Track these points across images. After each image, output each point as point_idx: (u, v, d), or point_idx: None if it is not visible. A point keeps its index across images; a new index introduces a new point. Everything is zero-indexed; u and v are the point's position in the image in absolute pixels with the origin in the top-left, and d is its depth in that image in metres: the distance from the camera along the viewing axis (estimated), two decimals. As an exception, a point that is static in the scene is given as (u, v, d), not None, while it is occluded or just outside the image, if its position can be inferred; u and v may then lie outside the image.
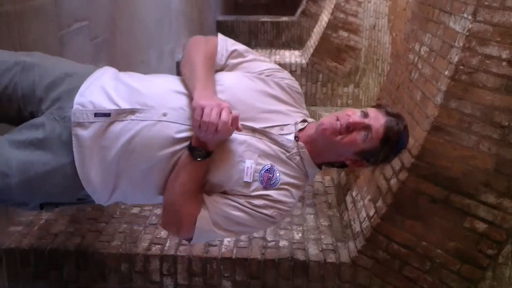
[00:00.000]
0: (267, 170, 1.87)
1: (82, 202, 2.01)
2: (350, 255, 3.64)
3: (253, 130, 1.88)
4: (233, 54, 2.02)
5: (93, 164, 1.84)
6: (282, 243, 3.77)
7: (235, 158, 1.84)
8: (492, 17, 3.04)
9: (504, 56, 3.02)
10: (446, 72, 3.21)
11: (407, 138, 1.97)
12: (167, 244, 3.71)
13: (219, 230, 1.87)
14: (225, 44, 2.02)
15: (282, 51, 11.09)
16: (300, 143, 1.93)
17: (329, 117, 1.91)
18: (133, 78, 1.97)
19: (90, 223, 3.92)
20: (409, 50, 4.09)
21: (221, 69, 2.00)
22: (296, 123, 1.97)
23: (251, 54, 2.06)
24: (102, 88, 1.90)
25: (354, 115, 1.88)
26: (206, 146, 1.76)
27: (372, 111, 1.90)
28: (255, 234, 3.85)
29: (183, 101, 1.86)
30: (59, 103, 1.88)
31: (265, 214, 1.88)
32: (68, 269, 3.64)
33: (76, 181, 1.85)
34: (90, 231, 3.82)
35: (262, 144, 1.88)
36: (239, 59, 2.02)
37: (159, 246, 3.69)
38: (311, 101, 9.15)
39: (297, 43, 12.61)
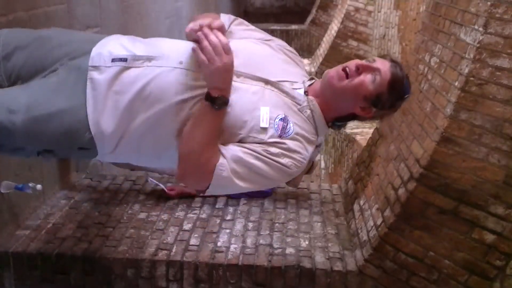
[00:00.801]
0: (281, 119, 1.91)
1: (82, 152, 2.00)
2: (357, 263, 3.63)
3: (266, 82, 1.95)
4: (236, 21, 2.17)
5: (105, 107, 1.88)
6: (289, 250, 3.76)
7: (250, 106, 1.89)
8: (503, 29, 3.03)
9: (514, 68, 3.02)
10: (456, 84, 3.20)
11: (410, 85, 2.08)
12: (174, 250, 3.71)
13: (237, 180, 1.89)
14: (227, 15, 2.18)
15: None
16: (310, 97, 2.01)
17: (335, 68, 2.01)
18: (148, 39, 2.09)
19: (97, 228, 3.92)
20: (419, 61, 4.08)
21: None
22: (304, 81, 2.07)
23: (251, 25, 2.21)
24: (120, 43, 1.99)
25: (361, 61, 2.00)
26: (223, 93, 1.82)
27: (377, 58, 2.03)
28: (261, 241, 3.85)
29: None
30: (76, 59, 1.95)
31: (281, 164, 1.91)
32: (74, 274, 3.64)
33: (84, 124, 1.88)
34: (97, 236, 3.83)
35: (275, 96, 1.95)
36: (242, 26, 2.17)
37: (166, 251, 3.70)
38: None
39: (307, 51, 12.64)
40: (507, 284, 3.16)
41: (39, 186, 3.64)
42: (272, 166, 1.89)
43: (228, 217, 4.18)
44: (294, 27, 13.62)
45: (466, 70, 3.15)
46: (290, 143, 1.92)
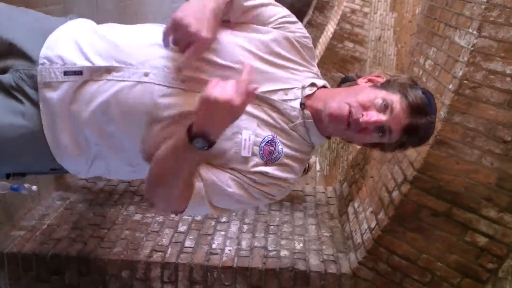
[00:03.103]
0: (268, 142, 1.61)
1: (56, 172, 1.77)
2: (351, 266, 3.64)
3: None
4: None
5: (65, 132, 1.60)
6: (283, 252, 3.77)
7: (230, 130, 1.54)
8: (497, 32, 3.05)
9: (508, 71, 3.02)
10: (450, 86, 3.22)
11: (432, 132, 1.69)
12: (169, 252, 3.72)
13: (213, 209, 1.64)
14: None
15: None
16: (307, 112, 1.65)
17: (339, 102, 1.60)
18: (112, 30, 1.73)
19: (92, 229, 3.93)
20: (414, 63, 4.09)
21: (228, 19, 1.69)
22: (303, 87, 1.68)
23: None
24: (75, 40, 1.64)
25: (370, 109, 1.59)
26: (207, 135, 1.42)
27: (396, 105, 1.59)
28: (256, 243, 3.86)
29: (168, 57, 1.58)
30: (24, 60, 1.62)
31: (265, 192, 1.63)
32: (69, 274, 3.65)
33: (48, 151, 1.62)
34: (92, 237, 3.83)
35: (262, 112, 1.62)
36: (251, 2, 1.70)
37: (161, 253, 3.70)
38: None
39: (303, 53, 12.59)
40: (499, 286, 3.17)
41: (34, 187, 3.64)
42: (254, 194, 1.63)
43: (223, 219, 4.19)
44: (290, 28, 13.58)
45: (460, 73, 3.16)
46: (277, 171, 1.63)
